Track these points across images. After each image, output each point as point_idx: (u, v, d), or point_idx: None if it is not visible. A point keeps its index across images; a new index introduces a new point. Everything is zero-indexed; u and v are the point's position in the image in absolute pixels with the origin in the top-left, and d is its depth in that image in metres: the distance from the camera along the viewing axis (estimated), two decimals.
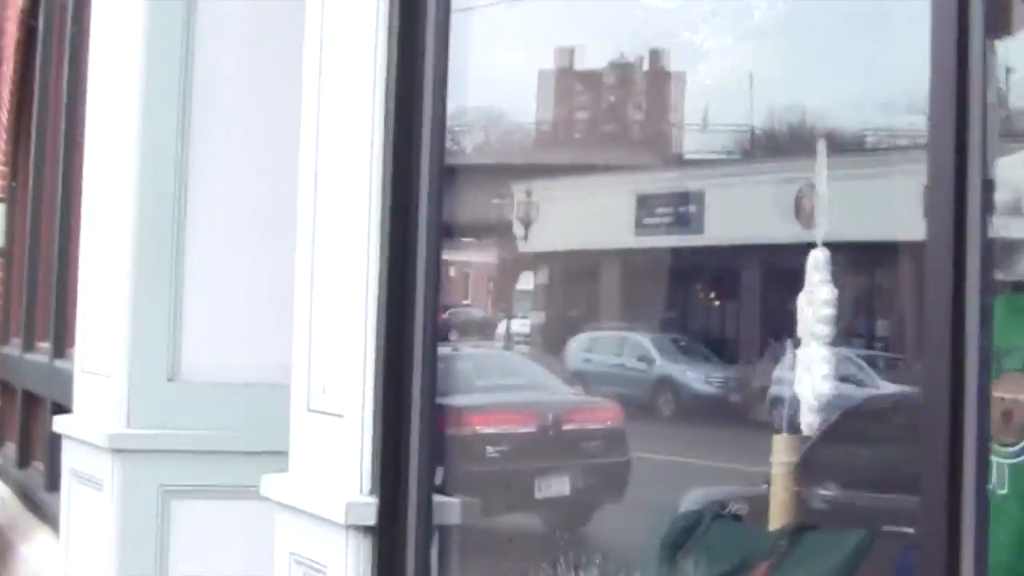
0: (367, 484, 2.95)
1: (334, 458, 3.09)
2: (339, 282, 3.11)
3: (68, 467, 4.76)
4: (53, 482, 6.24)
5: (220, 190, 4.32)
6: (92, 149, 4.79)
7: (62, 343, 6.26)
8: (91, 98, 4.82)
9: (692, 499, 3.27)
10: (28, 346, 7.10)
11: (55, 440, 6.24)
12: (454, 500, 3.02)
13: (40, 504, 6.33)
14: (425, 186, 2.97)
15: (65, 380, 6.03)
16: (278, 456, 4.18)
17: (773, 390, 3.38)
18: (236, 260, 4.37)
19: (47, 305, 7.07)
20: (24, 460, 7.03)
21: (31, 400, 7.03)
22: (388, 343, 3.00)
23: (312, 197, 3.27)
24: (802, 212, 3.12)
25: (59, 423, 4.85)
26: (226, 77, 4.30)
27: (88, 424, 4.53)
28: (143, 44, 4.27)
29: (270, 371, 4.36)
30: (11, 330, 7.90)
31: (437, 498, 2.96)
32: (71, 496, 4.72)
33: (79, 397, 4.73)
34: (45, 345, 6.93)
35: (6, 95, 7.96)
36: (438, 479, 3.06)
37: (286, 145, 4.08)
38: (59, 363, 6.22)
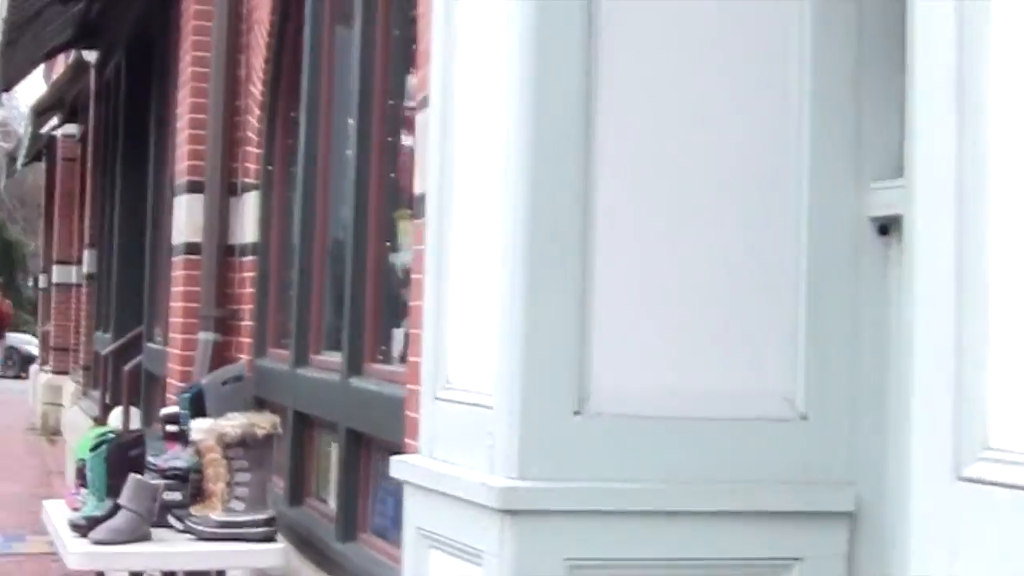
0: None
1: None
2: None
3: (415, 526, 3.56)
4: (349, 531, 5.09)
5: (635, 181, 3.14)
6: (441, 126, 3.59)
7: (359, 358, 5.10)
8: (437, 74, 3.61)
9: None
10: (300, 360, 5.95)
11: (352, 476, 5.11)
12: None
13: (331, 557, 5.16)
14: None
15: (366, 403, 4.91)
16: (735, 518, 3.05)
17: None
18: (659, 259, 3.16)
19: (324, 311, 5.95)
20: (297, 497, 5.89)
21: (305, 424, 5.90)
22: None
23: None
24: None
25: (400, 467, 3.64)
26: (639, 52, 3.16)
27: (454, 471, 3.31)
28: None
29: (714, 399, 3.17)
30: (268, 340, 6.78)
31: None
32: (421, 566, 3.51)
33: (432, 432, 3.53)
34: (324, 359, 5.80)
35: (259, 64, 6.84)
36: None
37: (715, 138, 3.15)
38: (357, 382, 5.06)
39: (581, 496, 3.09)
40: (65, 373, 18.12)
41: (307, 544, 5.46)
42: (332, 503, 5.64)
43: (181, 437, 5.78)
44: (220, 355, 7.03)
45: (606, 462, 3.12)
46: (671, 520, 3.12)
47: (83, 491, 5.95)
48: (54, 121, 18.70)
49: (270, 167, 6.84)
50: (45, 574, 8.92)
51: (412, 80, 5.05)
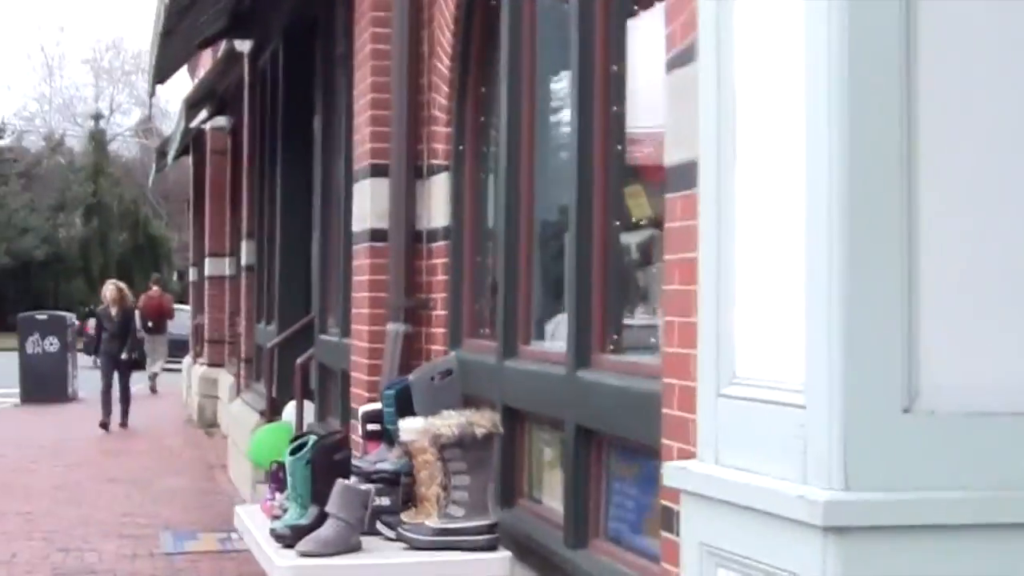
0: None
1: None
2: None
3: (699, 541, 3.13)
4: (579, 537, 4.68)
5: (963, 159, 2.74)
6: (717, 86, 3.16)
7: (587, 348, 4.67)
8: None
9: None
10: (509, 351, 5.54)
11: (582, 477, 4.71)
12: None
13: (558, 565, 4.75)
14: None
15: (601, 397, 4.51)
16: None
17: None
18: (995, 241, 2.74)
19: (532, 298, 5.54)
20: (508, 499, 5.48)
21: (516, 419, 5.50)
22: None
23: None
24: None
25: (678, 474, 3.22)
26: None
27: (756, 480, 2.88)
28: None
29: None
30: (464, 331, 6.39)
31: None
32: None
33: (714, 434, 3.10)
34: (537, 349, 5.40)
35: (446, 38, 6.45)
36: None
37: None
38: (586, 374, 4.63)
39: (917, 508, 2.67)
40: (220, 365, 17.98)
41: (526, 549, 5.05)
42: (549, 504, 5.24)
43: (384, 436, 5.42)
44: (409, 346, 6.66)
45: (941, 467, 2.71)
46: (1013, 532, 2.67)
47: (279, 496, 5.62)
48: (203, 114, 18.56)
49: (461, 147, 6.44)
50: (220, 574, 8.65)
51: (639, 44, 4.62)
